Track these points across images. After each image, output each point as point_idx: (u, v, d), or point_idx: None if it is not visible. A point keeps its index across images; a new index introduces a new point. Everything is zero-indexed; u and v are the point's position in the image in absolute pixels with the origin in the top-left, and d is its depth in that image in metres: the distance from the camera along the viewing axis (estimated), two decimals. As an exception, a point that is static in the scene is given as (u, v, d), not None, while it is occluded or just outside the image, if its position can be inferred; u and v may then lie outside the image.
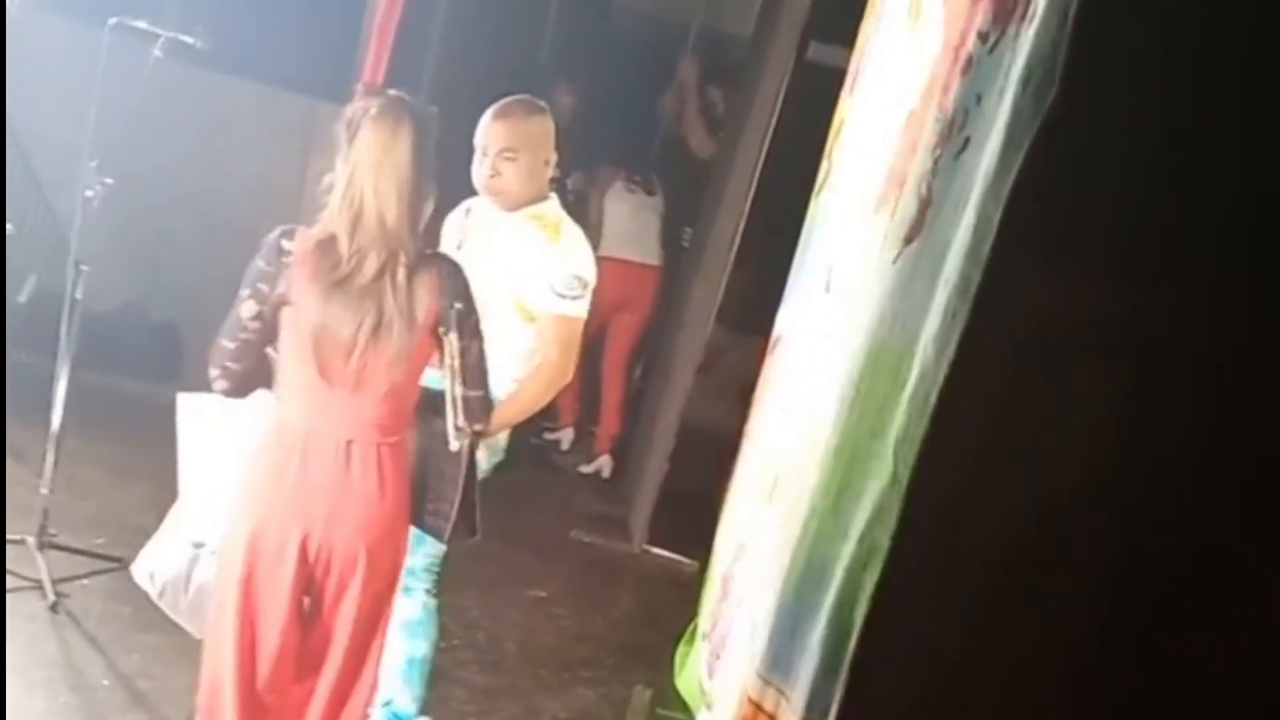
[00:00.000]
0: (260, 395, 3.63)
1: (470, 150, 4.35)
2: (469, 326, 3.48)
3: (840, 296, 4.07)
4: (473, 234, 4.41)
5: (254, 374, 3.47)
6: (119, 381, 5.74)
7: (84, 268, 4.84)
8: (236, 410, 3.72)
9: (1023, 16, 1.95)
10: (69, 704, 4.37)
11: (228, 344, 3.39)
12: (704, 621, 5.48)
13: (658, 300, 7.79)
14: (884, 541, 2.00)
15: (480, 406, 3.58)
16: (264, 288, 3.33)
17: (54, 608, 4.84)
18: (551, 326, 4.20)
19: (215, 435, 3.90)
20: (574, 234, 4.33)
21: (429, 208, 3.46)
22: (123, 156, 4.93)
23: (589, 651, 5.81)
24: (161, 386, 7.13)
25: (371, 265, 3.29)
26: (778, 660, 2.14)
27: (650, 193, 7.66)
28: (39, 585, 4.90)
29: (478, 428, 3.60)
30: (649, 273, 7.73)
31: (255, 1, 6.74)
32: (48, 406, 5.10)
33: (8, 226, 4.32)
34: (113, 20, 4.81)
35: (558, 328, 4.20)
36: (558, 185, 5.04)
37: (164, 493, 5.89)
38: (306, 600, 3.52)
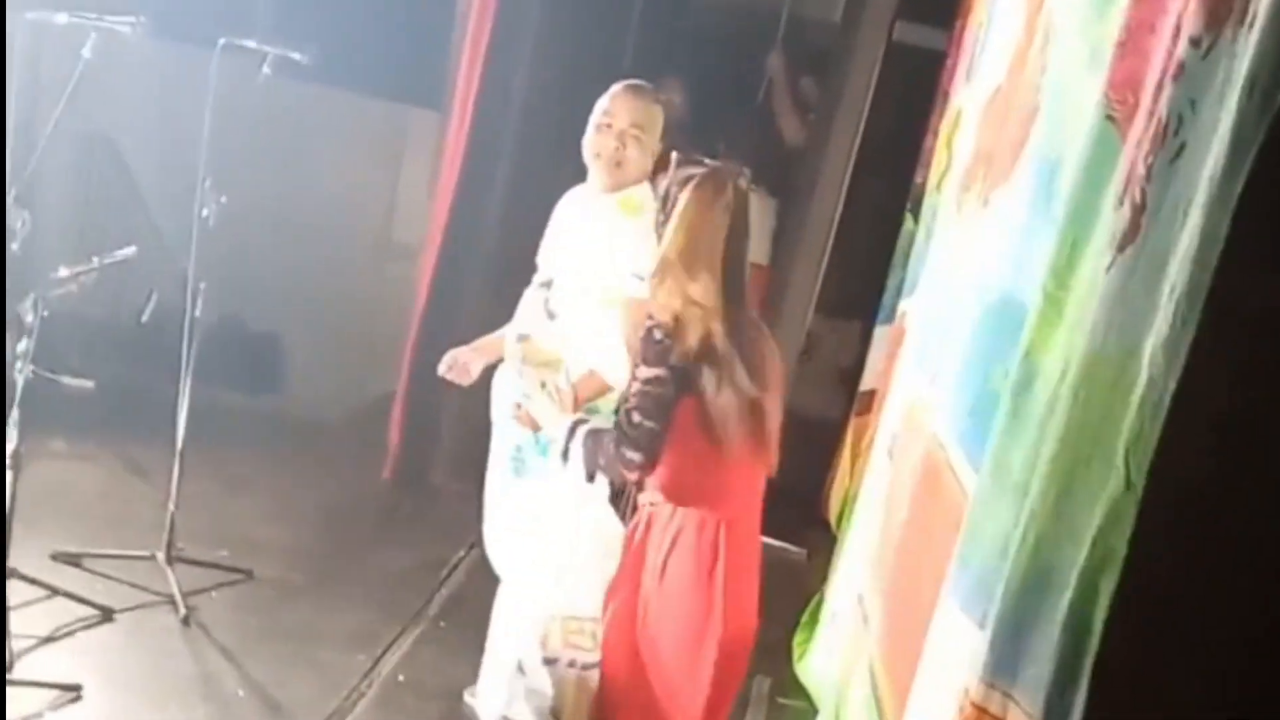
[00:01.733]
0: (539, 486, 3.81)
1: (564, 152, 4.38)
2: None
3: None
4: (564, 218, 4.43)
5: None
6: (222, 394, 5.83)
7: (202, 285, 4.93)
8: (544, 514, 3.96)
9: (1240, 21, 1.94)
10: (206, 715, 4.43)
11: (653, 426, 3.27)
12: (831, 609, 5.48)
13: (766, 299, 7.75)
14: (1120, 547, 2.00)
15: None
16: (681, 366, 3.23)
17: (185, 621, 4.92)
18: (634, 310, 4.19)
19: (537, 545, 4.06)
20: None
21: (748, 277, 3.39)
22: (233, 173, 5.00)
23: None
24: (265, 398, 7.33)
25: (719, 335, 3.24)
26: (1001, 665, 2.13)
27: (771, 194, 7.61)
28: (170, 600, 4.99)
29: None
30: (760, 273, 7.69)
31: (347, 14, 6.81)
32: (168, 423, 5.19)
33: (130, 249, 4.39)
34: (222, 41, 4.87)
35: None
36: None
37: (280, 504, 6.07)
38: None
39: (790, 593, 6.18)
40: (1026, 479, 2.43)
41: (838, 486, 6.71)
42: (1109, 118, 2.38)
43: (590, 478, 3.44)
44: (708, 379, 3.21)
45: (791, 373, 6.76)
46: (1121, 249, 2.06)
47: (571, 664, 4.12)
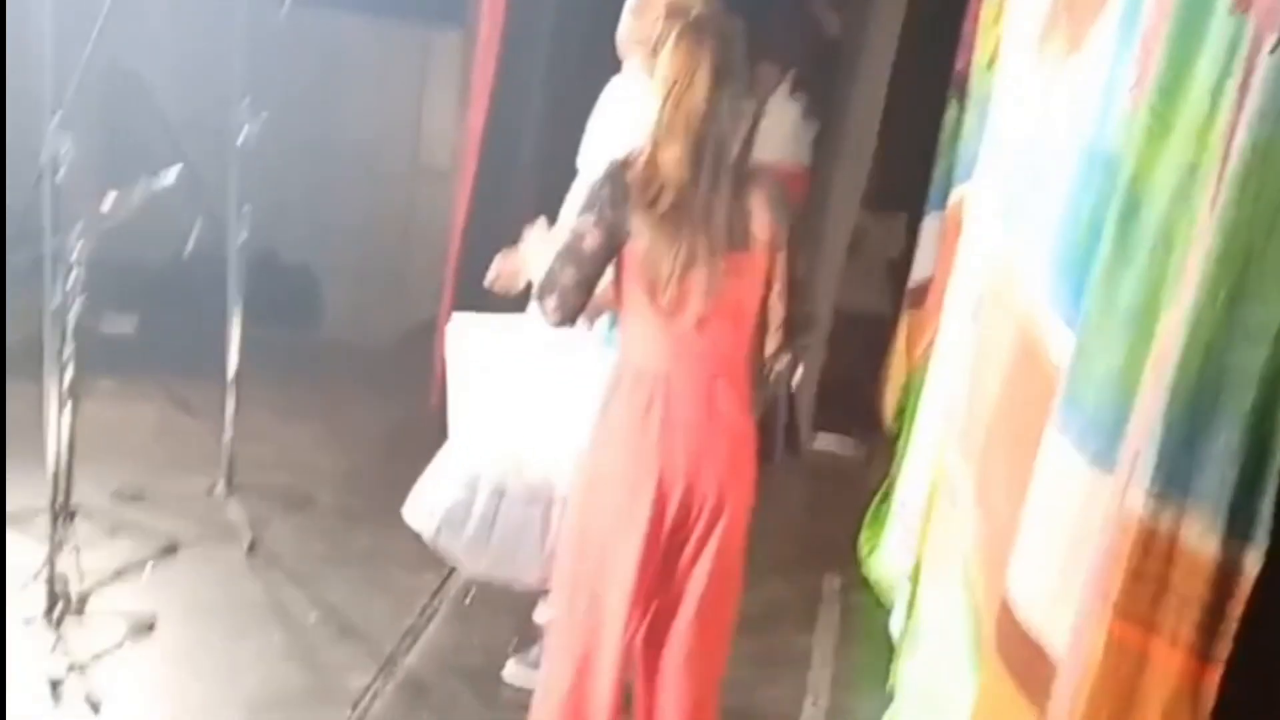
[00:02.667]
0: (530, 322, 3.56)
1: (599, 51, 4.27)
2: (794, 240, 3.35)
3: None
4: (601, 111, 4.33)
5: (585, 306, 3.28)
6: (268, 324, 5.79)
7: (245, 209, 4.85)
8: (511, 340, 3.69)
9: None
10: (282, 641, 4.42)
11: (571, 274, 3.19)
12: (898, 502, 5.43)
13: (808, 201, 7.62)
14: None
15: (809, 322, 3.47)
16: (609, 216, 3.17)
17: (251, 549, 4.90)
18: None
19: (490, 367, 3.82)
20: None
21: (745, 124, 3.33)
22: (263, 102, 4.92)
23: (770, 546, 5.78)
24: (309, 326, 7.30)
25: (696, 188, 3.17)
26: (1171, 478, 2.03)
27: (812, 93, 7.43)
28: (234, 530, 4.97)
29: (805, 344, 3.48)
30: (800, 175, 7.57)
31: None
32: (215, 356, 5.14)
33: (174, 169, 4.30)
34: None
35: None
36: None
37: (333, 431, 6.04)
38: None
39: (850, 490, 6.15)
40: (1138, 307, 2.36)
41: (893, 380, 6.63)
42: None
43: (543, 314, 3.30)
44: (645, 226, 3.14)
45: (841, 270, 6.70)
46: None
47: (521, 498, 4.01)
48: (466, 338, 3.91)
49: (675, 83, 3.18)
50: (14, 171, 5.19)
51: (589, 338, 3.77)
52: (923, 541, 4.58)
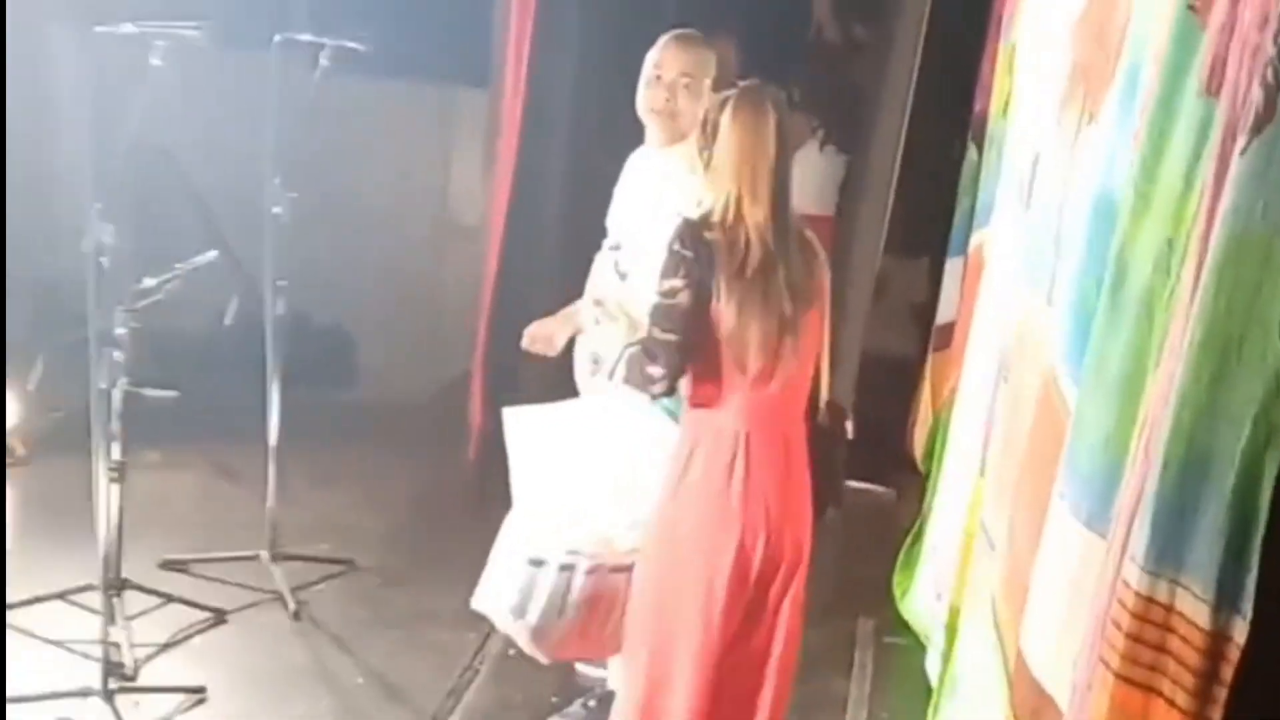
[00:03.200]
0: (586, 401, 3.67)
1: (620, 114, 4.36)
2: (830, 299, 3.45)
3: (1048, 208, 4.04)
4: (629, 178, 4.41)
5: (684, 370, 3.34)
6: (305, 390, 5.89)
7: (281, 283, 4.96)
8: (569, 419, 3.74)
9: None
10: (330, 705, 4.50)
11: (672, 336, 3.27)
12: (930, 545, 5.48)
13: (833, 248, 7.67)
14: (1282, 423, 2.03)
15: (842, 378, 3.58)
16: (697, 275, 3.24)
17: (296, 615, 4.99)
18: None
19: (550, 447, 3.84)
20: None
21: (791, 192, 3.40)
22: (298, 169, 5.04)
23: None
24: (346, 390, 7.39)
25: (777, 250, 3.26)
26: (1164, 554, 2.14)
27: (842, 150, 7.52)
28: (279, 597, 5.07)
29: (840, 401, 3.61)
30: (825, 224, 7.63)
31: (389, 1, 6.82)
32: (256, 424, 5.25)
33: (212, 253, 4.43)
34: (278, 37, 4.88)
35: None
36: None
37: (373, 492, 6.13)
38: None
39: (882, 532, 6.19)
40: (1124, 374, 2.47)
41: (921, 423, 6.70)
42: (1190, 7, 2.39)
43: (634, 388, 3.41)
44: (735, 291, 3.22)
45: (866, 315, 6.75)
46: (1258, 130, 2.05)
47: (593, 570, 4.02)
48: (524, 424, 3.96)
49: (745, 149, 3.27)
50: (55, 253, 5.34)
51: (642, 410, 3.78)
52: (960, 585, 4.63)
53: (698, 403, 3.38)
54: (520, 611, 3.84)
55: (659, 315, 3.29)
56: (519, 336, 4.41)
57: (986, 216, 5.38)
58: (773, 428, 3.35)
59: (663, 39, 4.22)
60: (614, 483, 3.85)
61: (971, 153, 6.10)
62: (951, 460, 5.41)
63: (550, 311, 4.45)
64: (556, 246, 6.15)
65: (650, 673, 3.45)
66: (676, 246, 3.27)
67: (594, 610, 3.83)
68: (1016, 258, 4.32)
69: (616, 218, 4.38)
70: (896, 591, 5.70)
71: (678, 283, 3.25)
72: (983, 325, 5.05)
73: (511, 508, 3.98)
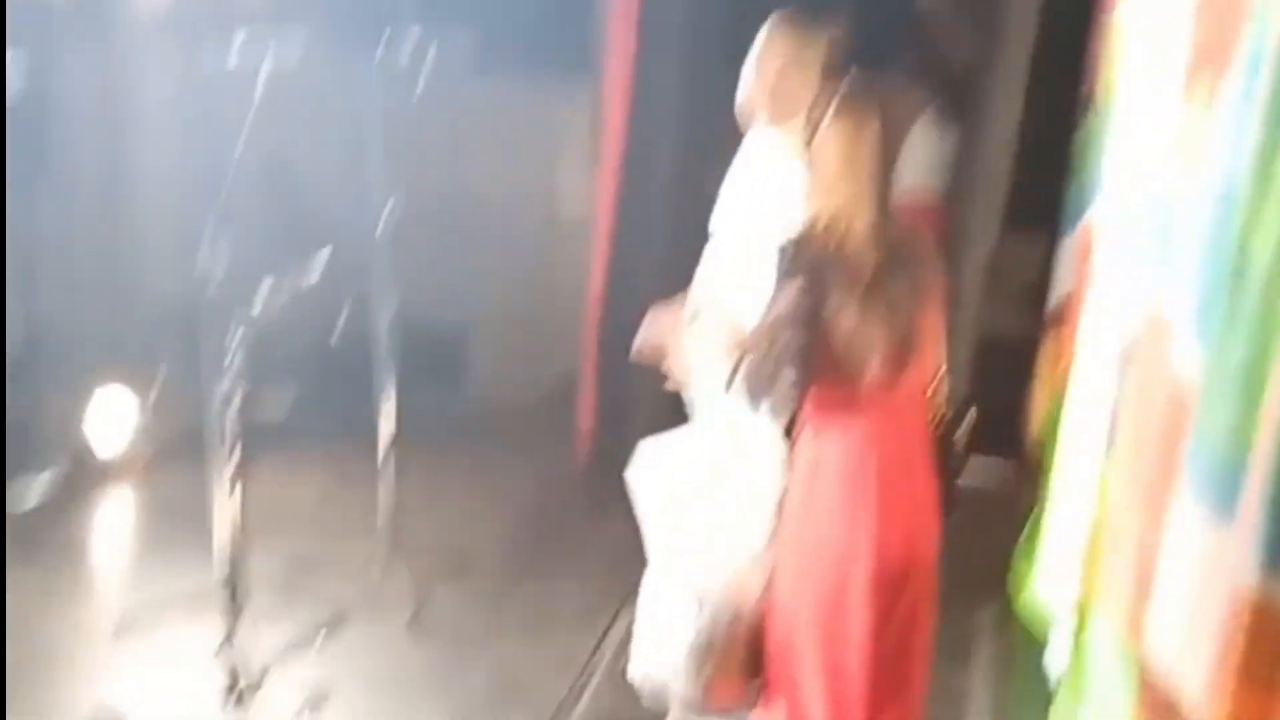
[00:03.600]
0: (701, 431, 3.64)
1: (729, 104, 4.30)
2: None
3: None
4: (733, 169, 4.34)
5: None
6: (416, 394, 5.94)
7: (391, 288, 5.01)
8: (687, 458, 3.72)
9: None
10: (449, 708, 4.54)
11: (799, 339, 3.20)
12: (1048, 530, 5.40)
13: (946, 227, 7.58)
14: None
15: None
16: (814, 280, 3.20)
17: (415, 618, 5.05)
18: None
19: (674, 494, 3.81)
20: None
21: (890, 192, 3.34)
22: (404, 174, 5.08)
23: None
24: (456, 393, 7.44)
25: (866, 263, 3.21)
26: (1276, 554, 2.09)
27: (945, 119, 7.44)
28: (397, 600, 5.12)
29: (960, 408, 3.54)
30: (940, 202, 7.54)
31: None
32: (369, 430, 5.32)
33: (322, 257, 4.48)
34: (385, 35, 4.89)
35: None
36: None
37: (486, 496, 6.17)
38: None
39: (999, 519, 6.11)
40: (1249, 365, 2.42)
41: (1038, 404, 6.60)
42: None
43: (754, 405, 3.33)
44: (847, 303, 3.18)
45: (982, 293, 6.66)
46: None
47: (733, 613, 3.98)
48: (646, 475, 3.92)
49: (847, 160, 3.23)
50: (172, 268, 5.43)
51: (759, 431, 3.72)
52: (1087, 577, 4.55)
53: (819, 419, 3.34)
54: (672, 667, 3.83)
55: (779, 323, 3.22)
56: (627, 335, 4.37)
57: (1093, 195, 5.28)
58: (897, 438, 3.32)
59: (770, 23, 4.11)
60: (743, 514, 3.79)
61: (1083, 130, 5.99)
62: (1068, 446, 5.32)
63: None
64: (664, 243, 6.13)
65: (801, 690, 3.44)
66: (787, 266, 3.22)
67: (741, 649, 3.78)
68: (1133, 241, 4.24)
69: (724, 214, 4.33)
70: (1015, 580, 5.62)
71: (793, 287, 3.20)
72: (1096, 307, 4.96)
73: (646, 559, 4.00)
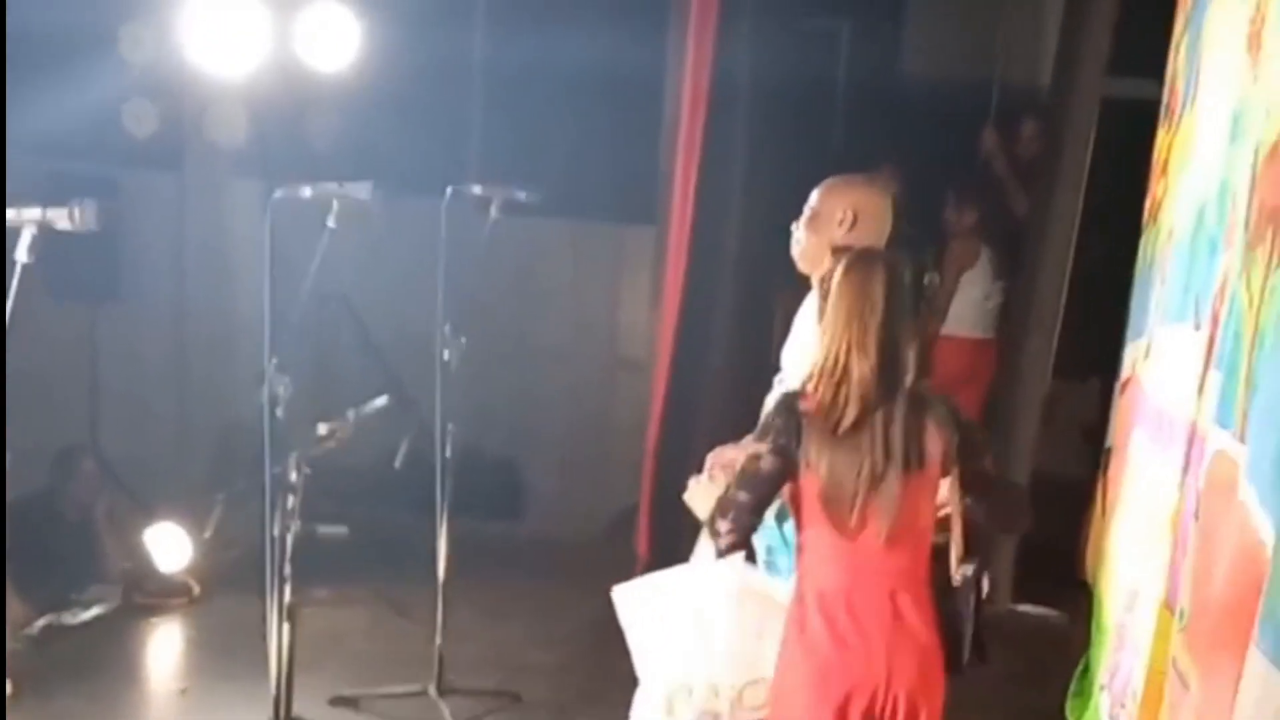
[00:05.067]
0: (693, 566, 3.66)
1: (783, 252, 4.37)
2: (973, 454, 3.44)
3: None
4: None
5: (755, 530, 3.45)
6: (474, 525, 5.98)
7: (450, 426, 5.08)
8: (678, 585, 3.71)
9: None
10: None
11: (745, 496, 3.35)
12: (1102, 674, 5.35)
13: (997, 370, 7.62)
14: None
15: (1015, 513, 3.64)
16: (784, 443, 3.32)
17: (463, 752, 5.04)
18: None
19: (664, 620, 3.80)
20: None
21: (912, 353, 3.41)
22: (468, 314, 5.19)
23: (978, 716, 5.73)
24: (515, 524, 7.50)
25: (876, 409, 3.29)
26: None
27: (998, 277, 7.54)
28: (446, 732, 5.12)
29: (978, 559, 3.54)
30: (989, 346, 7.60)
31: (558, 145, 7.02)
32: (425, 560, 5.35)
33: (382, 399, 4.57)
34: (450, 189, 5.04)
35: None
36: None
37: (539, 625, 6.18)
38: None
39: (1055, 657, 6.07)
40: None
41: (1092, 546, 6.58)
42: None
43: (716, 549, 3.43)
44: (825, 451, 3.27)
45: (1035, 436, 6.68)
46: None
47: None
48: (634, 600, 3.97)
49: (852, 310, 3.32)
50: (236, 402, 5.55)
51: (752, 573, 3.76)
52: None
53: (804, 560, 3.42)
54: None
55: (740, 476, 3.36)
56: (685, 471, 4.39)
57: (1137, 331, 5.32)
58: (879, 585, 3.34)
59: (823, 184, 4.17)
60: (733, 645, 3.77)
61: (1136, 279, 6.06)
62: (1116, 588, 5.31)
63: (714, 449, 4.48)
64: (722, 383, 6.21)
65: None
66: (771, 414, 3.37)
67: None
68: (1195, 386, 4.26)
69: (790, 353, 4.38)
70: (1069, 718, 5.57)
71: (763, 447, 3.33)
72: (1147, 445, 4.97)
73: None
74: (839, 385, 3.31)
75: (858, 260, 3.40)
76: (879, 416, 3.29)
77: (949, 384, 7.34)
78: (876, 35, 9.01)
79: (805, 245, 4.08)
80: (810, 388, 3.35)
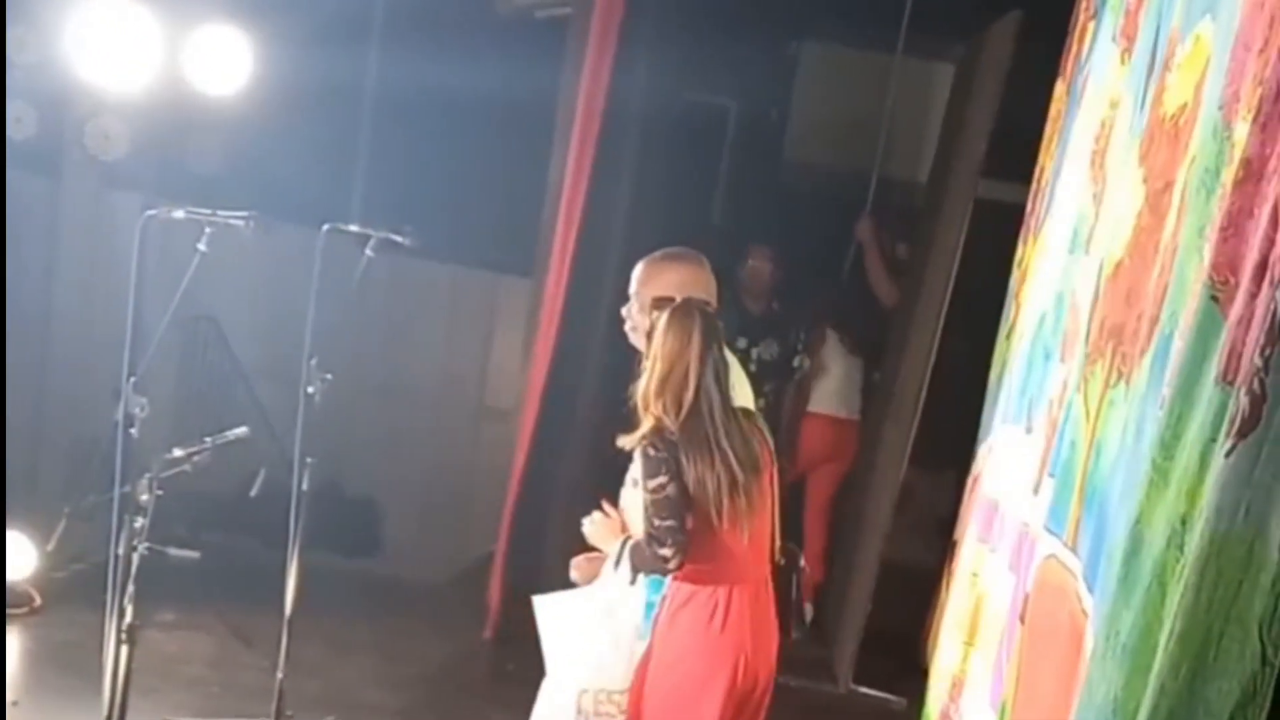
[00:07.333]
0: (599, 586, 4.07)
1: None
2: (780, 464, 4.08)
3: (1046, 441, 4.13)
4: None
5: (690, 545, 3.83)
6: (327, 560, 5.94)
7: (309, 460, 5.06)
8: (593, 596, 4.11)
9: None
10: None
11: (673, 522, 3.78)
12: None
13: (859, 450, 7.77)
14: (1258, 722, 2.10)
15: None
16: (673, 467, 3.76)
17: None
18: None
19: (583, 623, 4.17)
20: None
21: (727, 376, 3.88)
22: (336, 350, 5.18)
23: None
24: (368, 563, 7.46)
25: (704, 430, 3.79)
26: None
27: (858, 353, 7.72)
28: (279, 767, 5.06)
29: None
30: (851, 426, 7.75)
31: (439, 191, 7.05)
32: (274, 591, 5.30)
33: (242, 429, 4.55)
34: (326, 227, 5.05)
35: None
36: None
37: (386, 666, 6.16)
38: None
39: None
40: (1134, 643, 2.52)
41: (934, 634, 6.69)
42: (1213, 298, 2.46)
43: (633, 579, 3.96)
44: (694, 462, 3.77)
45: (888, 523, 6.80)
46: (1243, 435, 2.14)
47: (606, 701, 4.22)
48: (552, 609, 4.23)
49: (674, 347, 3.80)
50: (92, 418, 5.47)
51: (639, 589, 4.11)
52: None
53: (693, 565, 3.85)
54: None
55: (656, 508, 3.78)
56: (542, 523, 4.51)
57: (989, 429, 5.49)
58: (752, 576, 3.93)
59: (652, 260, 4.17)
60: (623, 645, 4.17)
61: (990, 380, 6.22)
62: (941, 676, 5.44)
63: (574, 503, 4.56)
64: (586, 439, 6.25)
65: None
66: (651, 452, 3.78)
67: None
68: (1025, 488, 4.39)
69: None
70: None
71: (663, 479, 3.77)
72: (974, 542, 5.11)
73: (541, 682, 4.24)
74: (690, 417, 3.77)
75: (678, 310, 3.86)
76: (722, 432, 3.80)
77: (813, 460, 7.52)
78: (764, 118, 9.22)
79: (638, 323, 4.12)
80: (656, 407, 3.79)
